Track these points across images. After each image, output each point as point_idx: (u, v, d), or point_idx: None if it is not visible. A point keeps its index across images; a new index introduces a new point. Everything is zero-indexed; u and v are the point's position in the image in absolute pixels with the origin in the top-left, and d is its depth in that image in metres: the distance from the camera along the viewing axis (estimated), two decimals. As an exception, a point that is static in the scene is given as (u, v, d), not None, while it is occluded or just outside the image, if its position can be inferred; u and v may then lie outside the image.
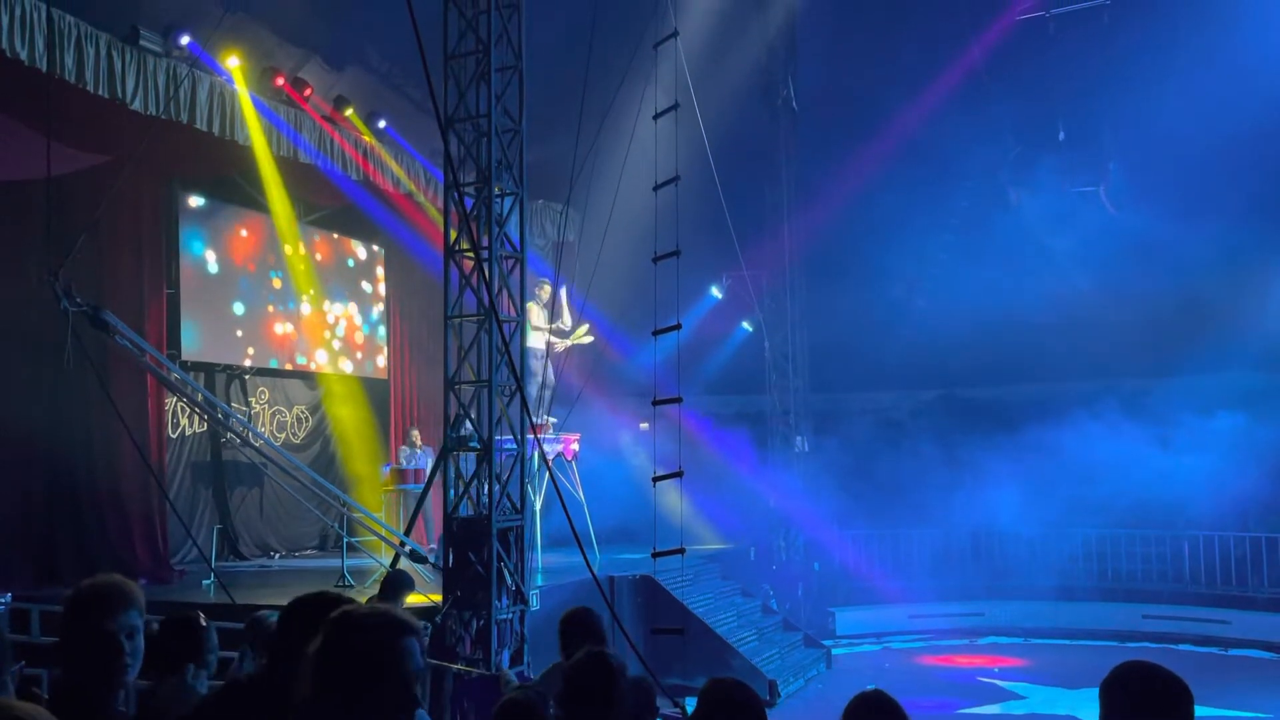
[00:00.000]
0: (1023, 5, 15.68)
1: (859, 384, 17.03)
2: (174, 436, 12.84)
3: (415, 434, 13.44)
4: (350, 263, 15.66)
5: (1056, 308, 15.59)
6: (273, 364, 14.28)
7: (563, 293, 11.98)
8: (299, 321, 14.46)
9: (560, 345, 11.88)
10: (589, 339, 12.21)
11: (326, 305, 14.95)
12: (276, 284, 14.19)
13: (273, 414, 14.43)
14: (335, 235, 15.29)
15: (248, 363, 13.78)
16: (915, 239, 16.87)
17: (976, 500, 15.13)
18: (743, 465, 15.55)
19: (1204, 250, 14.43)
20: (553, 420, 11.65)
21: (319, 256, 14.95)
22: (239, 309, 13.54)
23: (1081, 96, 15.86)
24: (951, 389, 16.90)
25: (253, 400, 14.05)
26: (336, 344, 15.13)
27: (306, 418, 14.96)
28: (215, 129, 10.75)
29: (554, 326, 11.74)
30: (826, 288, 16.58)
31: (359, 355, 15.64)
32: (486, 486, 8.55)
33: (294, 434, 14.74)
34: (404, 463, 12.87)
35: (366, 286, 15.90)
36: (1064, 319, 15.71)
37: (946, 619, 15.27)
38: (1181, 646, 13.93)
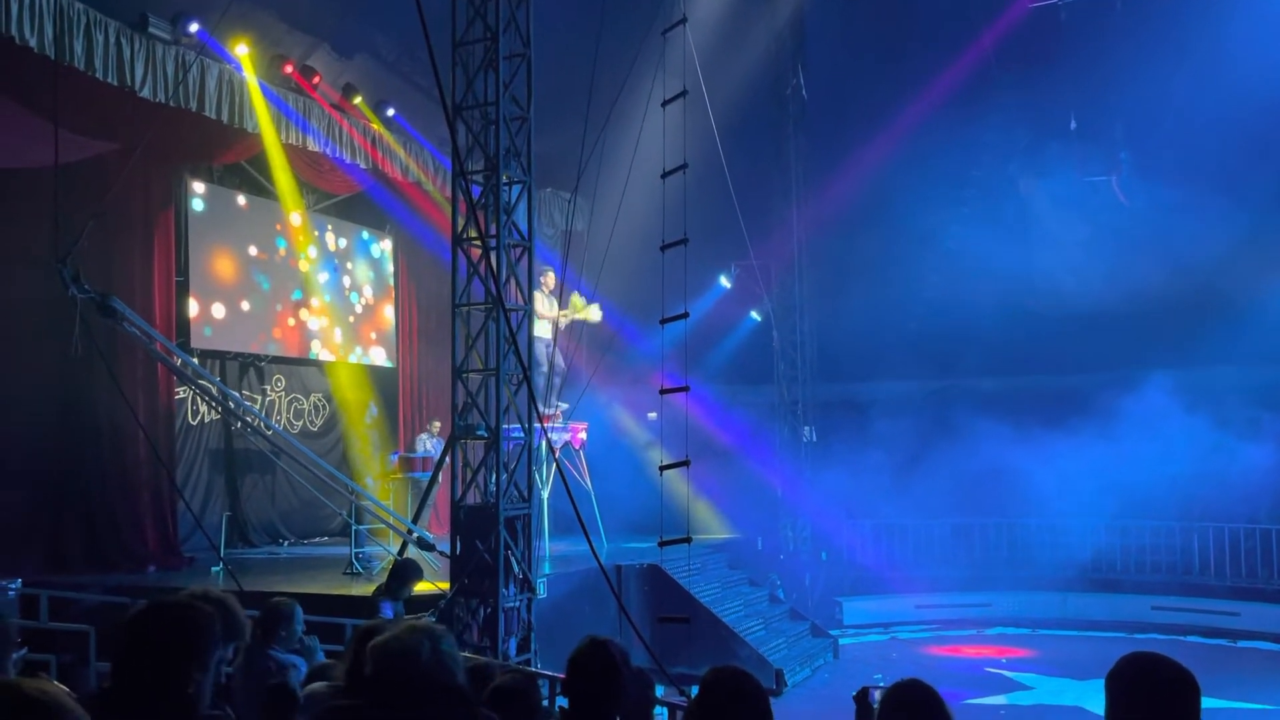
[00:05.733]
0: (1034, -8, 15.55)
1: (867, 374, 16.97)
2: (193, 423, 12.91)
3: (435, 424, 13.48)
4: (359, 251, 15.67)
5: (1068, 298, 15.48)
6: (293, 352, 14.29)
7: (549, 278, 11.87)
8: (309, 310, 14.47)
9: (563, 319, 11.82)
10: (597, 317, 12.10)
11: (335, 293, 14.96)
12: (285, 272, 14.19)
13: (289, 401, 14.47)
14: (344, 223, 15.28)
15: (263, 350, 13.80)
16: (925, 228, 16.77)
17: (984, 491, 15.09)
18: (750, 455, 15.54)
19: (1218, 241, 14.33)
20: (564, 406, 11.63)
21: (328, 245, 14.96)
22: (250, 297, 13.54)
23: (1093, 85, 15.72)
24: (960, 379, 16.82)
25: (267, 388, 14.09)
26: (346, 332, 15.14)
27: (324, 405, 15.00)
28: (224, 116, 10.75)
29: (559, 315, 11.70)
30: (835, 278, 16.50)
31: (368, 343, 15.65)
32: (494, 475, 8.55)
33: (311, 421, 14.79)
34: (420, 450, 12.96)
35: (375, 275, 15.90)
36: (1076, 309, 15.61)
37: (954, 609, 15.26)
38: (1190, 638, 13.88)
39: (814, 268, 16.35)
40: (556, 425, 11.29)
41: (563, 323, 11.84)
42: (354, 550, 10.79)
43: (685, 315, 8.78)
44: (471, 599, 8.37)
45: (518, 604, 8.51)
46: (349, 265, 15.40)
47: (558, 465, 8.67)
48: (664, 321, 8.90)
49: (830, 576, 15.68)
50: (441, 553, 9.21)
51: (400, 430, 15.66)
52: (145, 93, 9.85)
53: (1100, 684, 2.35)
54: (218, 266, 13.19)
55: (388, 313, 16.08)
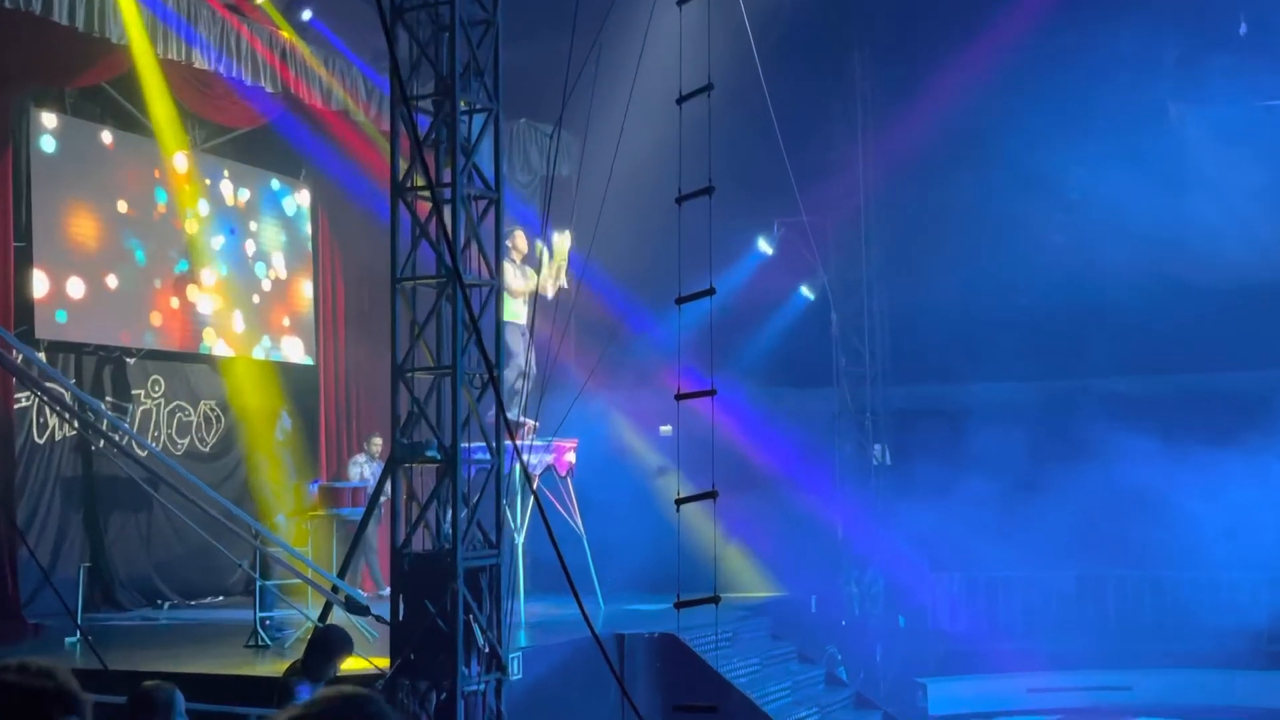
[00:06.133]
0: None
1: (960, 372, 16.97)
2: (40, 442, 12.92)
3: (376, 441, 13.61)
4: (266, 206, 15.69)
5: (1236, 266, 15.42)
6: (176, 345, 14.38)
7: (564, 239, 11.89)
8: (198, 287, 14.48)
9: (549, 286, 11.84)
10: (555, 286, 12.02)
11: (234, 264, 14.98)
12: (166, 235, 14.22)
13: (171, 412, 14.49)
14: (246, 168, 15.30)
15: (137, 342, 13.83)
16: (1039, 173, 16.69)
17: (1121, 531, 15.04)
18: (801, 483, 15.50)
19: None
20: (534, 424, 11.63)
21: (224, 197, 14.98)
22: (118, 270, 13.57)
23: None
24: (1088, 379, 16.83)
25: (140, 393, 14.09)
26: (249, 317, 15.18)
27: (219, 417, 15.04)
28: (79, 22, 10.72)
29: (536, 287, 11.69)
30: (916, 241, 16.47)
31: (279, 332, 15.70)
32: (450, 512, 8.54)
33: (201, 439, 14.85)
34: (354, 477, 12.91)
35: (289, 238, 15.93)
36: (1246, 282, 15.59)
37: (1080, 694, 15.32)
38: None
39: (887, 227, 16.32)
40: (535, 444, 11.28)
41: (550, 290, 11.80)
42: (259, 615, 10.82)
43: (711, 292, 8.73)
44: (420, 680, 8.38)
45: (482, 686, 8.51)
46: (252, 226, 15.43)
47: (536, 498, 8.65)
48: (681, 301, 8.85)
49: (910, 649, 15.72)
50: (378, 618, 9.21)
51: (322, 450, 15.70)
52: (-29, -10, 9.83)
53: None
54: (74, 228, 13.20)
55: (305, 290, 16.12)
